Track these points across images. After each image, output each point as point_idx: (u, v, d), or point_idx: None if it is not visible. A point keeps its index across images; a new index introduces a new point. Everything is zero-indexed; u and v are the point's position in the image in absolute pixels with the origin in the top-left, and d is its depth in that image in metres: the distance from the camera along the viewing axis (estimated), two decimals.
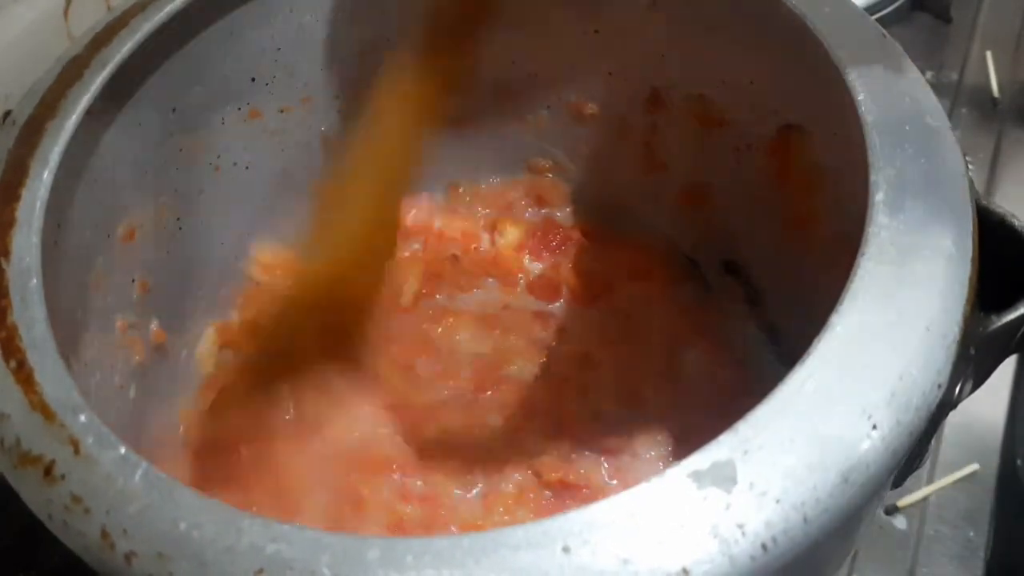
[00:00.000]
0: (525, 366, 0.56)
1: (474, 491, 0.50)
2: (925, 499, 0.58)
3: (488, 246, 0.62)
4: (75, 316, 0.42)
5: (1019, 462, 0.60)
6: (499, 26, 0.55)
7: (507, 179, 0.63)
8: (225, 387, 0.54)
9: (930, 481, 0.58)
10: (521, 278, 0.61)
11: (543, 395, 0.54)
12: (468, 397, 0.54)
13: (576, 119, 0.59)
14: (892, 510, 0.57)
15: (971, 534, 0.56)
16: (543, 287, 0.60)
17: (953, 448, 0.60)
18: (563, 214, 0.63)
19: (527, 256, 0.61)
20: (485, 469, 0.50)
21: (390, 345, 0.56)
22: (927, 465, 0.59)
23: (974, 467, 0.59)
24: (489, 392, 0.54)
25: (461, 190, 0.63)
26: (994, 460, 0.59)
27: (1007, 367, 0.61)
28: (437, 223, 0.63)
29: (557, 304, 0.59)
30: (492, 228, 0.62)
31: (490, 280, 0.61)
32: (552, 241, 0.61)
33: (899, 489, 0.56)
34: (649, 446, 0.51)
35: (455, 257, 0.61)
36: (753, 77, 0.50)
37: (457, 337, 0.57)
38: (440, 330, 0.57)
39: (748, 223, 0.55)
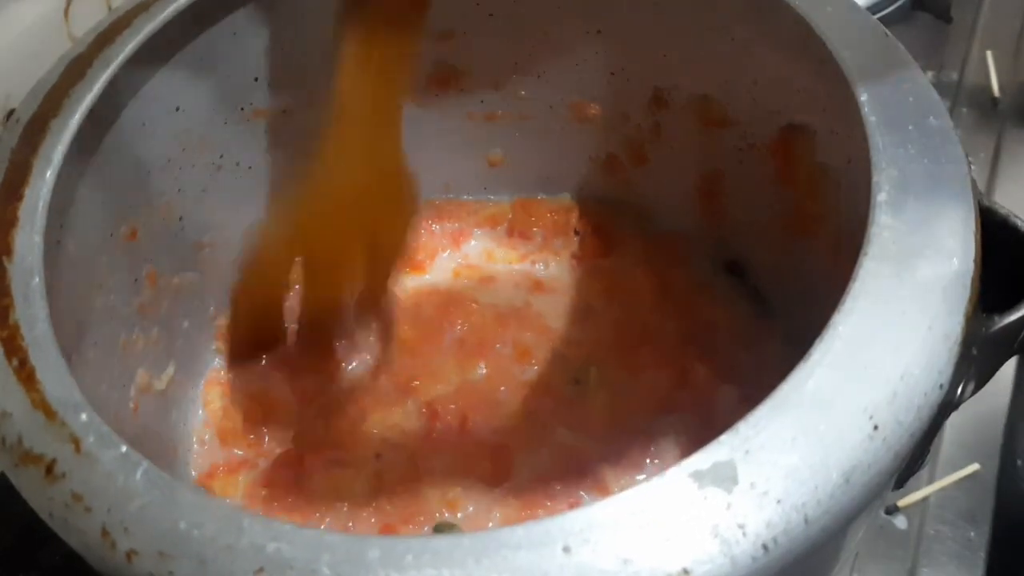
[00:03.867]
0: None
1: None
2: (925, 499, 0.58)
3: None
4: (77, 315, 0.42)
5: (1020, 462, 0.60)
6: (501, 27, 0.55)
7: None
8: None
9: (930, 481, 0.58)
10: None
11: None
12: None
13: (579, 119, 0.59)
14: (892, 510, 0.57)
15: (971, 534, 0.56)
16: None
17: (953, 448, 0.60)
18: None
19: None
20: None
21: None
22: (927, 465, 0.59)
23: (974, 467, 0.59)
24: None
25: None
26: (994, 460, 0.59)
27: (1008, 368, 0.61)
28: None
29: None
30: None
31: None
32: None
33: (899, 489, 0.56)
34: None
35: None
36: (756, 77, 0.50)
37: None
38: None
39: (751, 223, 0.55)
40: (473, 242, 0.63)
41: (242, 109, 0.53)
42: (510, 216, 0.63)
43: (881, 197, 0.35)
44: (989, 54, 0.81)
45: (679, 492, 0.29)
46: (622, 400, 0.54)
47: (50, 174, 0.40)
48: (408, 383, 0.55)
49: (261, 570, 0.28)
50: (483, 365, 0.56)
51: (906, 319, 0.32)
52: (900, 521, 0.57)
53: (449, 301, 0.59)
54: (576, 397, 0.54)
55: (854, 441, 0.30)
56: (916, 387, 0.31)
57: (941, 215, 0.35)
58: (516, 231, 0.63)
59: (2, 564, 0.48)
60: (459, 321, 0.58)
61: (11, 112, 0.43)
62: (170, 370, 0.52)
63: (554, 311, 0.59)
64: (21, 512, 0.32)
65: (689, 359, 0.54)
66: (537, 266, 0.61)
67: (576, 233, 0.62)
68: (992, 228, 0.36)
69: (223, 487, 0.51)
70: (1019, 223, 0.37)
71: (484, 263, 0.62)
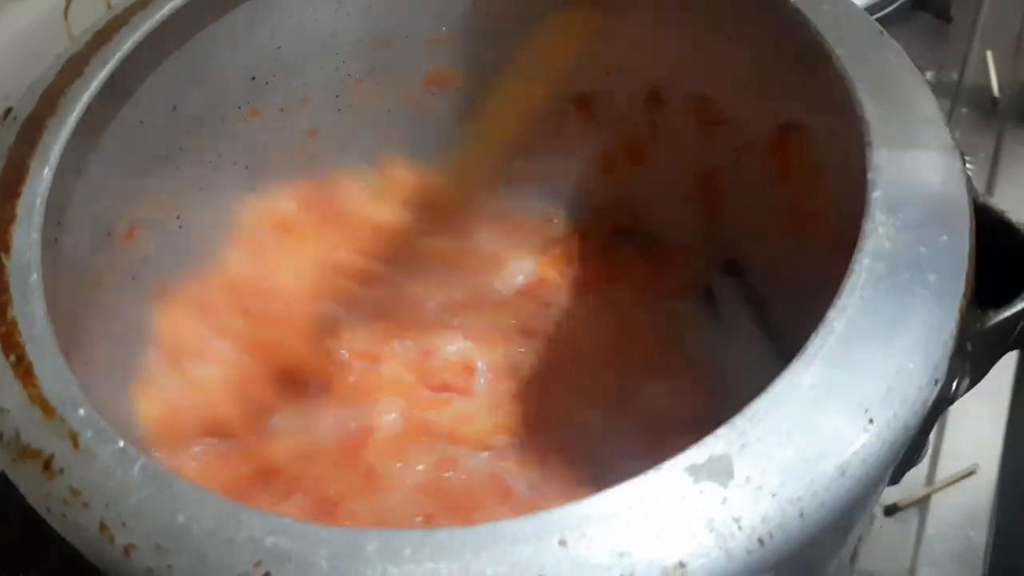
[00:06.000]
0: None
1: None
2: (925, 499, 0.58)
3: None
4: (75, 312, 0.42)
5: (1020, 462, 0.60)
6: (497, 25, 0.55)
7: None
8: None
9: (930, 481, 0.58)
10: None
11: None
12: None
13: (575, 118, 0.59)
14: (892, 510, 0.57)
15: (971, 534, 0.56)
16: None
17: (953, 448, 0.60)
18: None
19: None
20: None
21: None
22: (927, 465, 0.59)
23: (974, 467, 0.59)
24: None
25: None
26: (994, 460, 0.59)
27: (1008, 367, 0.61)
28: None
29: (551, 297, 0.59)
30: None
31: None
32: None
33: (899, 489, 0.56)
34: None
35: None
36: (753, 76, 0.50)
37: None
38: None
39: (748, 222, 0.55)
40: None
41: (239, 108, 0.53)
42: None
43: (876, 194, 0.36)
44: (989, 54, 0.81)
45: (675, 486, 0.29)
46: (616, 407, 0.54)
47: (47, 172, 0.40)
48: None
49: (259, 563, 0.28)
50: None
51: (901, 314, 0.32)
52: (900, 521, 0.57)
53: None
54: None
55: (849, 435, 0.30)
56: (911, 382, 0.31)
57: (936, 212, 0.35)
58: None
59: (2, 563, 0.48)
60: None
61: (8, 110, 0.43)
62: None
63: (544, 316, 0.59)
64: (21, 511, 0.32)
65: (682, 363, 0.55)
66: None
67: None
68: (987, 224, 0.37)
69: None
70: (1014, 219, 0.37)
71: None
